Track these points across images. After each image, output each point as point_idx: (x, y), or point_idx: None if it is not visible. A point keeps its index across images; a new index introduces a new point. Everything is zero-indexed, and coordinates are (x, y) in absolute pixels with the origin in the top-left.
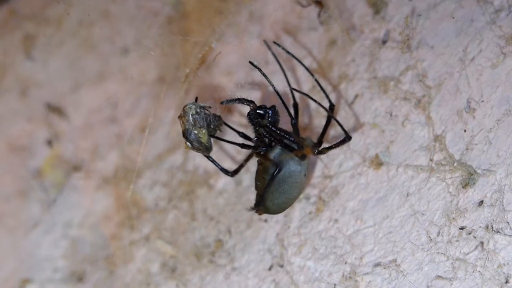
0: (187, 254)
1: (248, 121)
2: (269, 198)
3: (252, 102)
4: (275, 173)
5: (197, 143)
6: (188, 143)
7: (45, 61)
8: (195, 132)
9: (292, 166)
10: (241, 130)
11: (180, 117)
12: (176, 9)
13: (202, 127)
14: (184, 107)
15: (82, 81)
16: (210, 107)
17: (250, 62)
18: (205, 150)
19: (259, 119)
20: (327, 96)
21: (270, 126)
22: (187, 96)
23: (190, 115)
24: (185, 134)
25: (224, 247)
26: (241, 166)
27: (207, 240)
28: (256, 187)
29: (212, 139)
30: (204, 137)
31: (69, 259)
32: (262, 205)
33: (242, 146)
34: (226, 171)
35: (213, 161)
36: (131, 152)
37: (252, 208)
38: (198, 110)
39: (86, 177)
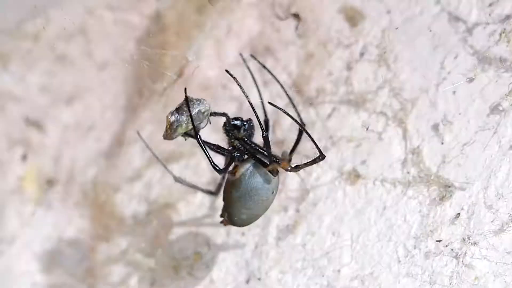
0: (166, 267)
1: (223, 132)
2: (234, 213)
3: (225, 114)
4: (242, 190)
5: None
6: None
7: (22, 75)
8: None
9: (260, 183)
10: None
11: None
12: (155, 22)
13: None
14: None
15: (60, 96)
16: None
17: (227, 71)
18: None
19: (234, 131)
20: (299, 114)
21: (246, 139)
22: (165, 110)
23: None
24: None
25: (203, 259)
26: (222, 182)
27: (185, 252)
28: (223, 199)
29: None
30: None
31: (48, 274)
32: (228, 217)
33: (218, 148)
34: (207, 191)
35: (192, 185)
36: (109, 166)
37: (221, 216)
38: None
39: (65, 191)
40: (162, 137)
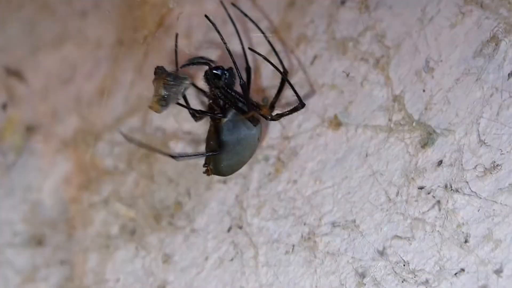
0: (146, 216)
1: (204, 81)
2: (222, 159)
3: (212, 61)
4: (230, 133)
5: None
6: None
7: (3, 25)
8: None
9: (244, 130)
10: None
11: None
12: None
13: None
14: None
15: (41, 45)
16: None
17: (206, 16)
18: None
19: (215, 80)
20: (281, 62)
21: (226, 88)
22: (146, 59)
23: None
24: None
25: (183, 209)
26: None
27: (166, 202)
28: (208, 147)
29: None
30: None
31: (29, 223)
32: (213, 166)
33: (200, 112)
34: (194, 115)
35: (188, 107)
36: (90, 115)
37: (204, 166)
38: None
39: (45, 140)
40: (148, 107)
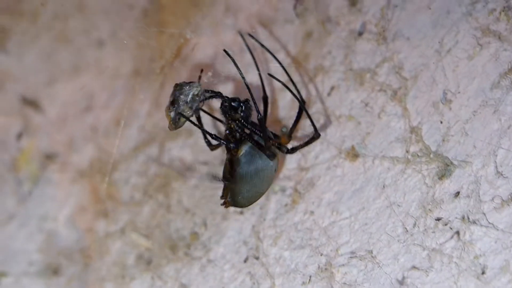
0: (163, 246)
1: (221, 113)
2: (239, 191)
3: (220, 93)
4: (248, 165)
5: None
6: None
7: (20, 54)
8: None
9: (264, 160)
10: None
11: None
12: (151, 2)
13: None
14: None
15: (58, 74)
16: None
17: (224, 51)
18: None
19: (232, 112)
20: (299, 92)
21: (242, 120)
22: (162, 89)
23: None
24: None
25: (200, 239)
26: (222, 143)
27: (182, 232)
28: (225, 179)
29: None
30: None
31: (44, 253)
32: (230, 198)
33: (215, 137)
34: (209, 143)
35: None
36: (106, 145)
37: (222, 198)
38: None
39: (61, 170)
40: (168, 129)
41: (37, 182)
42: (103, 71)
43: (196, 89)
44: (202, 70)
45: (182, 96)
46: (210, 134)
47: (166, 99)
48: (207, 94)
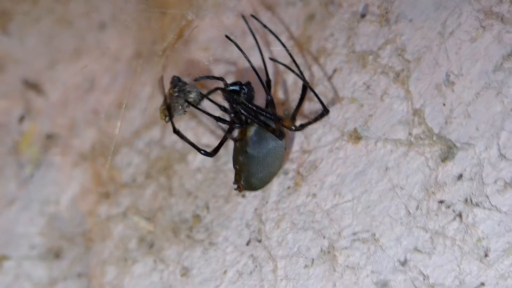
0: (165, 229)
1: (223, 98)
2: (253, 173)
3: (221, 78)
4: (258, 146)
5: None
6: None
7: (22, 37)
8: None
9: (274, 139)
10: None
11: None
12: None
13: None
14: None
15: (59, 57)
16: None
17: (227, 36)
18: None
19: (234, 96)
20: (301, 73)
21: (247, 103)
22: (164, 71)
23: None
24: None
25: (202, 222)
26: (220, 144)
27: (184, 215)
28: (237, 164)
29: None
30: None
31: (46, 236)
32: (244, 181)
33: (218, 119)
34: (205, 152)
35: (190, 143)
36: (108, 128)
37: (235, 183)
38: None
39: (63, 153)
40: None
41: (38, 165)
42: (104, 53)
43: (194, 97)
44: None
45: (178, 104)
46: (215, 117)
47: (168, 83)
48: (208, 76)
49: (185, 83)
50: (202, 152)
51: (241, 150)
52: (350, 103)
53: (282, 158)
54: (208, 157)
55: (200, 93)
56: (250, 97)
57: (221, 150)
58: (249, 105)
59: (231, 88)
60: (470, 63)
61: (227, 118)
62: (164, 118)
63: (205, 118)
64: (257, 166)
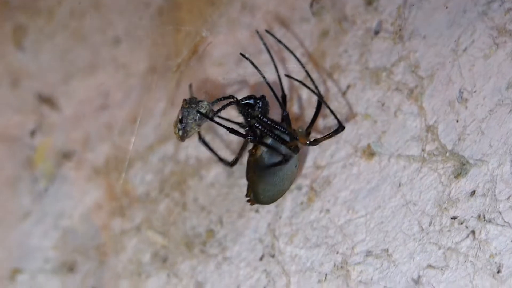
0: (178, 244)
1: (238, 112)
2: (260, 191)
3: (232, 96)
4: (268, 165)
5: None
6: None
7: (36, 51)
8: (190, 122)
9: (286, 154)
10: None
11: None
12: (168, 0)
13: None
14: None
15: (73, 72)
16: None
17: (241, 54)
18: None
19: (249, 110)
20: (317, 87)
21: (261, 117)
22: (178, 87)
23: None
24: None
25: (216, 237)
26: (239, 156)
27: (198, 230)
28: (248, 179)
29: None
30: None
31: (60, 250)
32: (255, 196)
33: (232, 131)
34: (225, 162)
35: (213, 151)
36: (122, 143)
37: (246, 196)
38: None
39: (77, 167)
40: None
41: (53, 180)
42: (118, 68)
43: (204, 109)
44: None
45: (190, 116)
46: (228, 129)
47: (182, 98)
48: (219, 98)
49: (196, 100)
50: (223, 162)
51: (253, 164)
52: (363, 119)
53: (293, 176)
54: (221, 172)
55: (211, 108)
56: (265, 111)
57: (236, 165)
58: (264, 119)
59: (245, 102)
60: (483, 80)
61: (241, 131)
62: (177, 133)
63: (218, 134)
64: (265, 184)
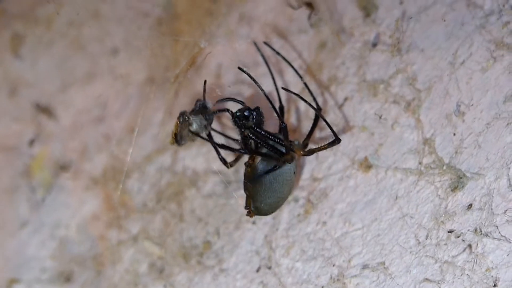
0: (175, 255)
1: (233, 124)
2: (260, 198)
3: (242, 102)
4: (265, 171)
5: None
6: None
7: (34, 60)
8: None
9: (282, 164)
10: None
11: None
12: (166, 10)
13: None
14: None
15: (71, 81)
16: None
17: (239, 68)
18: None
19: (243, 121)
20: (315, 99)
21: (256, 128)
22: (176, 97)
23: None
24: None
25: (212, 248)
26: (238, 157)
27: (195, 241)
28: (246, 189)
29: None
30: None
31: (57, 259)
32: (254, 207)
33: (222, 146)
34: (224, 161)
35: (215, 147)
36: (119, 153)
37: (246, 208)
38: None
39: (75, 177)
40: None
41: (50, 189)
42: (117, 78)
43: (196, 124)
44: (205, 82)
45: (183, 129)
46: (219, 145)
47: (180, 109)
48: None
49: (190, 114)
50: (222, 161)
51: (250, 175)
52: (360, 132)
53: (291, 184)
54: (219, 183)
55: (205, 124)
56: (259, 121)
57: (232, 177)
58: (258, 130)
59: (239, 114)
60: (481, 93)
61: (232, 145)
62: (174, 142)
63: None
64: (265, 192)
